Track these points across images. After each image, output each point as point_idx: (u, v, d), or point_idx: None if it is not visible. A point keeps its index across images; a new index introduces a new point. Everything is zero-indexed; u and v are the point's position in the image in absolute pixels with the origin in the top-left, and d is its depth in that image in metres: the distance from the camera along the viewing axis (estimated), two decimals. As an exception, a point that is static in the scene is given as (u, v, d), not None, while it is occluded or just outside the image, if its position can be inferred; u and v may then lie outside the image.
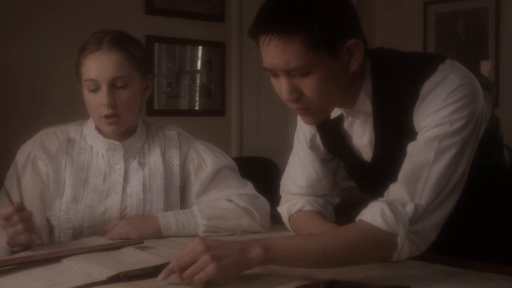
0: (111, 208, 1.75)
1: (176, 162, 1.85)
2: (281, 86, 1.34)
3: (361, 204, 1.34)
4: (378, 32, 4.57)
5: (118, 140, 1.79)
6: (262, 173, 3.04)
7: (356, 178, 1.65)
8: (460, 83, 1.32)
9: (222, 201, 1.82)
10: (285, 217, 1.70)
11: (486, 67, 4.18)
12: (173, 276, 1.23)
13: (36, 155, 1.77)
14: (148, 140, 1.86)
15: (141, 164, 1.82)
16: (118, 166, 1.80)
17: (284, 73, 1.32)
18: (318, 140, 1.62)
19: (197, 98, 3.83)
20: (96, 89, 1.71)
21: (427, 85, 1.34)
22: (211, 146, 1.92)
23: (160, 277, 1.23)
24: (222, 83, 3.87)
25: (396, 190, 1.31)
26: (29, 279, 1.29)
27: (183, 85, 3.74)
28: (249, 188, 1.87)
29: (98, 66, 1.70)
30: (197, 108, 3.86)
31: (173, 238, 1.72)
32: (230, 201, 1.81)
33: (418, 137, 1.34)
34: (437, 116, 1.31)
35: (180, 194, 1.84)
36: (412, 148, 1.34)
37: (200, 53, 3.80)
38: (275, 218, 1.81)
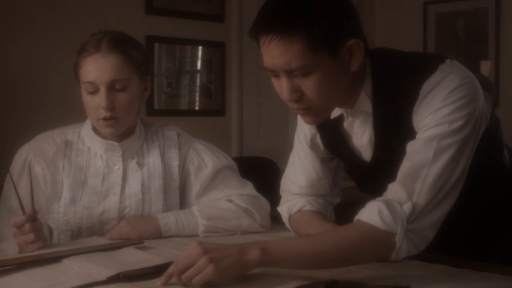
0: (109, 209, 1.75)
1: (175, 162, 1.84)
2: (282, 86, 1.34)
3: (361, 204, 1.34)
4: (378, 32, 4.57)
5: (116, 141, 1.79)
6: (262, 173, 3.04)
7: (356, 178, 1.65)
8: (460, 83, 1.32)
9: (222, 202, 1.82)
10: (285, 217, 1.70)
11: (486, 67, 4.18)
12: (173, 278, 1.24)
13: (32, 159, 1.77)
14: (147, 140, 1.85)
15: (140, 165, 1.81)
16: (116, 167, 1.80)
17: (285, 73, 1.32)
18: (318, 140, 1.62)
19: (197, 98, 3.83)
20: (94, 91, 1.71)
21: (427, 85, 1.34)
22: (211, 146, 1.92)
23: (159, 282, 1.23)
24: (222, 83, 3.87)
25: (394, 190, 1.31)
26: (29, 279, 1.29)
27: (183, 85, 3.74)
28: (249, 188, 1.87)
29: (96, 69, 1.70)
30: (197, 108, 3.86)
31: (173, 238, 1.72)
32: (230, 201, 1.81)
33: (418, 136, 1.34)
34: (437, 116, 1.31)
35: (179, 195, 1.84)
36: (411, 147, 1.34)
37: (200, 53, 3.80)
38: (275, 218, 1.81)
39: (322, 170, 1.65)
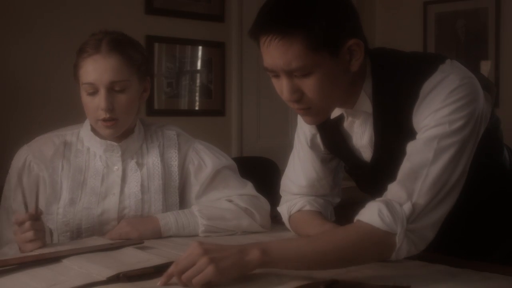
0: (108, 210, 1.75)
1: (175, 162, 1.84)
2: (282, 86, 1.34)
3: (361, 204, 1.34)
4: (378, 32, 4.58)
5: (115, 141, 1.79)
6: (262, 173, 3.04)
7: (356, 178, 1.65)
8: (460, 83, 1.32)
9: (222, 202, 1.81)
10: (285, 217, 1.70)
11: (486, 67, 4.19)
12: (173, 278, 1.24)
13: (31, 161, 1.77)
14: (146, 140, 1.85)
15: (139, 165, 1.81)
16: (116, 167, 1.79)
17: (285, 73, 1.32)
18: (318, 140, 1.62)
19: (197, 98, 3.83)
20: (94, 92, 1.71)
21: (427, 85, 1.34)
22: (211, 146, 1.92)
23: (160, 282, 1.23)
24: (222, 83, 3.87)
25: (394, 190, 1.31)
26: (29, 279, 1.29)
27: (183, 85, 3.74)
28: (249, 188, 1.87)
29: (96, 70, 1.69)
30: (197, 108, 3.86)
31: (173, 238, 1.72)
32: (230, 201, 1.81)
33: (418, 136, 1.34)
34: (437, 116, 1.31)
35: (179, 195, 1.84)
36: (411, 147, 1.34)
37: (200, 53, 3.80)
38: (275, 218, 1.81)
39: (322, 170, 1.65)
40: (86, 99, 1.73)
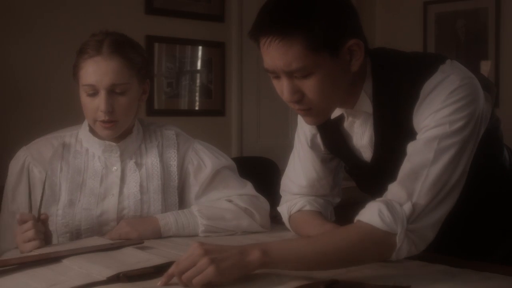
0: (108, 210, 1.75)
1: (174, 162, 1.84)
2: (282, 87, 1.34)
3: (361, 204, 1.34)
4: (378, 32, 4.58)
5: (114, 141, 1.79)
6: (262, 173, 3.04)
7: (356, 178, 1.65)
8: (460, 83, 1.32)
9: (222, 202, 1.81)
10: (285, 217, 1.70)
11: (486, 67, 4.18)
12: (174, 278, 1.24)
13: (30, 162, 1.77)
14: (145, 140, 1.85)
15: (138, 165, 1.81)
16: (114, 168, 1.79)
17: (285, 74, 1.31)
18: (319, 140, 1.62)
19: (197, 98, 3.83)
20: (94, 94, 1.71)
21: (428, 86, 1.34)
22: (210, 146, 1.92)
23: (160, 282, 1.23)
24: (222, 83, 3.87)
25: (394, 190, 1.31)
26: (29, 279, 1.29)
27: (183, 85, 3.74)
28: (249, 188, 1.87)
29: (97, 72, 1.69)
30: (197, 108, 3.86)
31: (173, 238, 1.72)
32: (230, 201, 1.81)
33: (418, 137, 1.34)
34: (437, 116, 1.31)
35: (179, 195, 1.84)
36: (411, 148, 1.34)
37: (200, 53, 3.80)
38: (275, 218, 1.81)
39: (322, 170, 1.65)
40: (85, 100, 1.73)
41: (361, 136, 1.48)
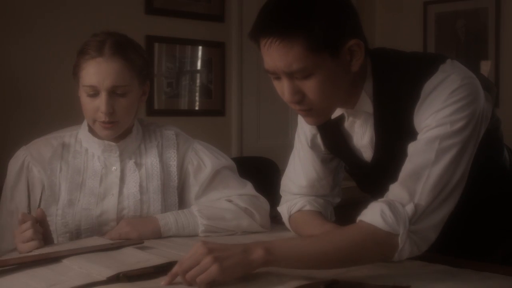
0: (107, 210, 1.75)
1: (173, 162, 1.84)
2: (283, 88, 1.34)
3: (361, 204, 1.34)
4: (378, 32, 4.57)
5: (113, 141, 1.79)
6: (262, 173, 3.04)
7: (357, 178, 1.65)
8: (461, 83, 1.32)
9: (222, 202, 1.81)
10: (285, 217, 1.70)
11: (486, 67, 4.18)
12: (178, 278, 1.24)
13: (30, 162, 1.77)
14: (144, 140, 1.85)
15: (138, 165, 1.81)
16: (114, 168, 1.79)
17: (286, 75, 1.31)
18: (319, 140, 1.62)
19: (197, 98, 3.83)
20: (94, 94, 1.71)
21: (428, 86, 1.34)
22: (210, 147, 1.92)
23: (164, 281, 1.24)
24: (222, 83, 3.87)
25: (396, 191, 1.31)
26: (29, 279, 1.29)
27: (183, 85, 3.74)
28: (248, 188, 1.87)
29: (98, 73, 1.69)
30: (197, 108, 3.85)
31: (173, 238, 1.72)
32: (230, 201, 1.81)
33: (419, 137, 1.34)
34: (438, 116, 1.31)
35: (178, 195, 1.84)
36: (412, 148, 1.34)
37: (200, 53, 3.80)
38: (275, 218, 1.81)
39: (322, 170, 1.65)
40: (85, 100, 1.73)
41: (362, 136, 1.48)
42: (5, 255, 1.66)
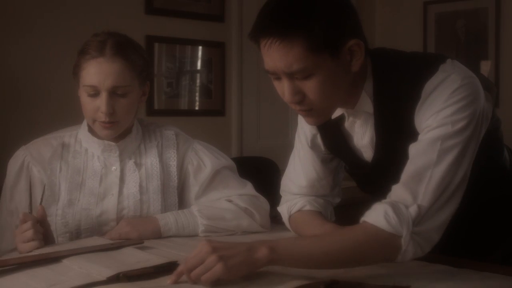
0: (107, 210, 1.75)
1: (173, 163, 1.84)
2: (283, 88, 1.34)
3: (361, 204, 1.34)
4: (378, 32, 4.57)
5: (113, 141, 1.79)
6: (262, 173, 3.04)
7: (357, 178, 1.65)
8: (462, 83, 1.32)
9: (221, 202, 1.81)
10: (285, 217, 1.70)
11: (486, 67, 4.18)
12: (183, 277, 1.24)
13: (29, 162, 1.77)
14: (144, 140, 1.85)
15: (138, 165, 1.81)
16: (114, 167, 1.79)
17: (286, 75, 1.31)
18: (319, 140, 1.62)
19: (197, 98, 3.83)
20: (95, 95, 1.71)
21: (429, 86, 1.34)
22: (210, 147, 1.92)
23: (170, 280, 1.24)
24: (222, 83, 3.87)
25: (399, 192, 1.31)
26: (29, 279, 1.29)
27: (183, 85, 3.74)
28: (248, 188, 1.87)
29: (99, 73, 1.69)
30: (197, 108, 3.85)
31: (173, 238, 1.72)
32: (230, 201, 1.81)
33: (420, 137, 1.33)
34: (439, 117, 1.31)
35: (178, 195, 1.84)
36: (414, 149, 1.33)
37: (200, 53, 3.80)
38: (275, 218, 1.81)
39: (322, 170, 1.65)
40: (85, 100, 1.73)
41: (362, 136, 1.48)
42: (5, 255, 1.66)
